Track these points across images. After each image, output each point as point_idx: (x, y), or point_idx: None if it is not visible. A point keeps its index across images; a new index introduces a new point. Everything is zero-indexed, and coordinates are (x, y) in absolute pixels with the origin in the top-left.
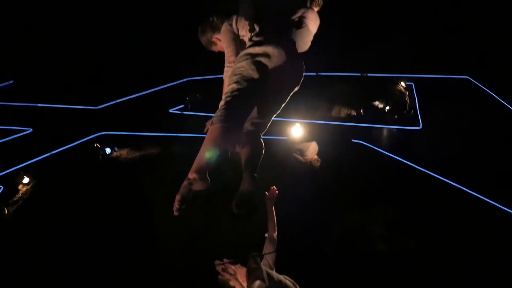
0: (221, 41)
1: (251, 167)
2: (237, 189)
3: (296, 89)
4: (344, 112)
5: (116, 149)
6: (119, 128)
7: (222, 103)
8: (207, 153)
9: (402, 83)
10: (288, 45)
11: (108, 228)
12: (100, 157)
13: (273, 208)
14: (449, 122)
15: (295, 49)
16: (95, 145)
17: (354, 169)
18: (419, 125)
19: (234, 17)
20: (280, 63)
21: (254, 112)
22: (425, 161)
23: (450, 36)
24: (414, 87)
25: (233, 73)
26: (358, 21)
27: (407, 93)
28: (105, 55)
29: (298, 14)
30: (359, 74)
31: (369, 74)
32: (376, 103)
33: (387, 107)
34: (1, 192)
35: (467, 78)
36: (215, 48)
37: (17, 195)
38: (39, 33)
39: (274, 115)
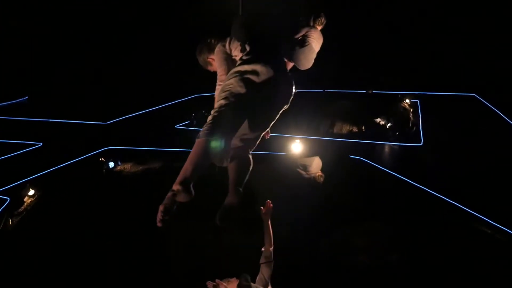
0: (215, 61)
1: (237, 182)
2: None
3: (285, 107)
4: (346, 128)
5: (119, 163)
6: (126, 143)
7: (209, 118)
8: (192, 166)
9: (407, 100)
10: (278, 63)
11: (107, 240)
12: (103, 171)
13: (269, 222)
14: (452, 139)
15: (285, 68)
16: (100, 159)
17: (351, 184)
18: (420, 142)
19: (228, 38)
20: (268, 80)
21: (243, 129)
22: (423, 178)
23: (458, 53)
24: (420, 104)
25: (222, 89)
26: (365, 38)
27: (411, 110)
28: (117, 72)
29: (302, 33)
30: (364, 91)
31: (374, 91)
32: (378, 120)
33: (389, 124)
34: (8, 203)
35: (474, 96)
36: (211, 68)
37: (22, 207)
38: (52, 50)
39: (263, 132)
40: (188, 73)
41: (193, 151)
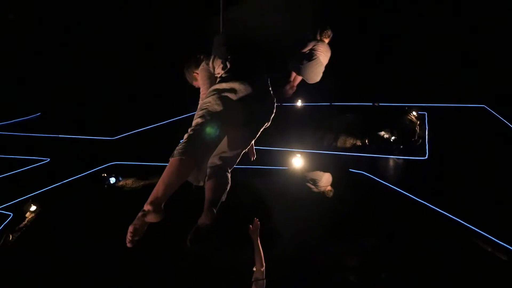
0: (198, 79)
1: (212, 202)
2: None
3: (267, 124)
4: (349, 142)
5: (120, 178)
6: (131, 158)
7: (185, 136)
8: (164, 185)
9: (414, 113)
10: (258, 80)
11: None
12: (105, 186)
13: (259, 241)
14: (459, 152)
15: (267, 85)
16: (103, 175)
17: (352, 200)
18: (424, 156)
19: (212, 56)
20: (247, 98)
21: (222, 146)
22: (426, 193)
23: (467, 64)
24: (427, 116)
25: (200, 108)
26: (371, 49)
27: (418, 122)
28: (122, 89)
29: (309, 47)
30: (370, 104)
31: (380, 104)
32: (382, 133)
33: (393, 137)
34: (11, 219)
35: (484, 107)
36: (196, 84)
37: (23, 222)
38: (61, 68)
39: (243, 150)
40: (194, 89)
41: (166, 170)
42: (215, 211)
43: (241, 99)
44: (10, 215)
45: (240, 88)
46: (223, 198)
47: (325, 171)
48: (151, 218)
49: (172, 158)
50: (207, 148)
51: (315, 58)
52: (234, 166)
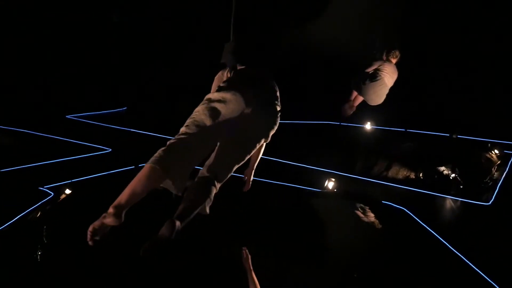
0: (212, 87)
1: (179, 214)
2: None
3: (264, 141)
4: (402, 173)
5: None
6: None
7: (167, 143)
8: (130, 190)
9: (497, 151)
10: (259, 93)
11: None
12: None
13: (252, 270)
14: None
15: (271, 100)
16: None
17: (384, 237)
18: (489, 201)
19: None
20: (239, 110)
21: (213, 158)
22: (475, 249)
23: None
24: None
25: (190, 116)
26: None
27: (498, 162)
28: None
29: (374, 67)
30: (447, 135)
31: (459, 136)
32: (442, 168)
33: (453, 175)
34: (50, 198)
35: None
36: None
37: (58, 200)
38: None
39: (237, 165)
40: None
41: (137, 176)
42: (178, 224)
43: (233, 111)
44: (51, 194)
45: (231, 99)
46: (201, 211)
47: (364, 200)
48: (109, 221)
49: (146, 164)
50: (186, 160)
51: (379, 79)
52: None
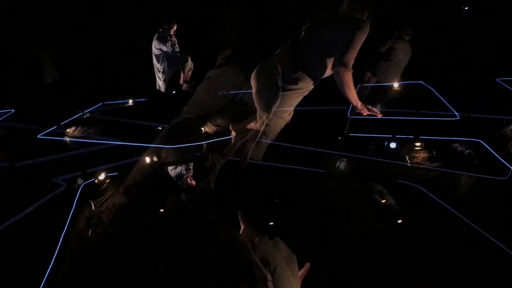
0: None
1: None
2: None
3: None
4: (416, 152)
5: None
6: None
7: (171, 122)
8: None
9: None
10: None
11: None
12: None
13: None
14: None
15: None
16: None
17: (403, 214)
18: (505, 176)
19: None
20: (235, 83)
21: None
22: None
23: None
24: None
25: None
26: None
27: None
28: None
29: (387, 46)
30: (461, 114)
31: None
32: (457, 145)
33: (467, 151)
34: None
35: None
36: None
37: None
38: None
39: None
40: None
41: (142, 156)
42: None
43: (231, 85)
44: (63, 184)
45: (216, 74)
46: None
47: (381, 180)
48: (118, 200)
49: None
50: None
51: (392, 58)
52: None
